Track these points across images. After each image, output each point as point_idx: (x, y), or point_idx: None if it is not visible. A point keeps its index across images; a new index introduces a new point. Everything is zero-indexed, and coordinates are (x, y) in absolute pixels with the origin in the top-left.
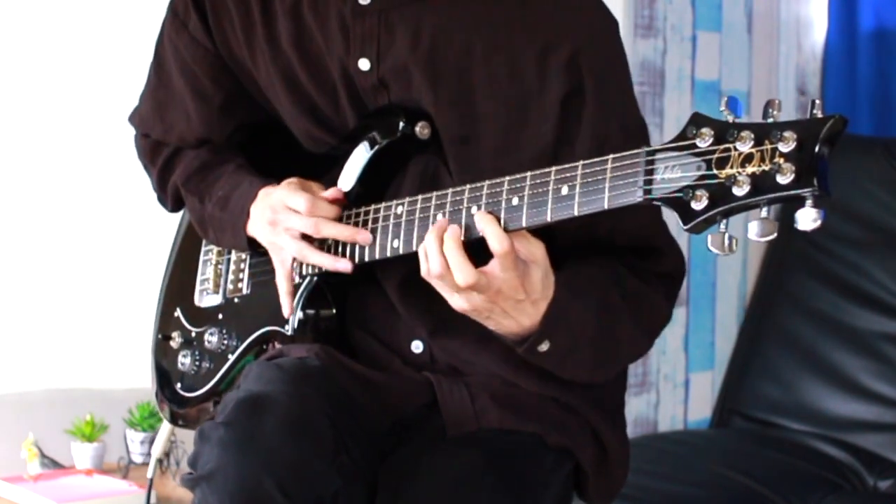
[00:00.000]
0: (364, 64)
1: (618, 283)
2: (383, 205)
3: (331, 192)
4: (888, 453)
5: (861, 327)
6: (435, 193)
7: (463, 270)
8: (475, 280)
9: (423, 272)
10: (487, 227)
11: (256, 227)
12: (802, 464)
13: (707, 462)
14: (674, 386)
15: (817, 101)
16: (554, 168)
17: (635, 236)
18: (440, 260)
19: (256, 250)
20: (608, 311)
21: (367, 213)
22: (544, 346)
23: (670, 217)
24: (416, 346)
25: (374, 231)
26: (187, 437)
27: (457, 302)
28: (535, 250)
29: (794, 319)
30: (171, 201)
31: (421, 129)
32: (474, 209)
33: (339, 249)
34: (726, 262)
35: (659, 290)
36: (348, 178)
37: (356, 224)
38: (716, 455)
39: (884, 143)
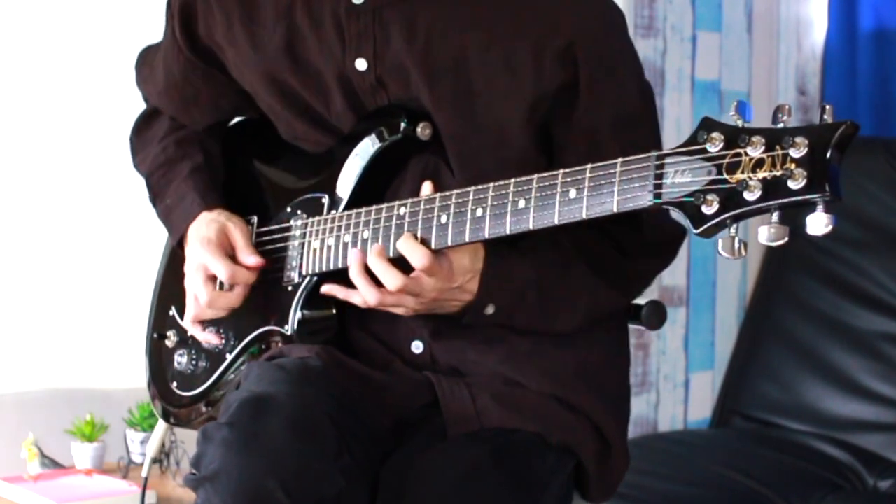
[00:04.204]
0: (361, 64)
1: (568, 236)
2: (385, 205)
3: (254, 260)
4: (888, 453)
5: (861, 327)
6: (439, 195)
7: (390, 276)
8: (404, 283)
9: (375, 300)
10: (412, 251)
11: (188, 255)
12: (802, 464)
13: (707, 462)
14: (674, 386)
15: (828, 107)
16: (561, 171)
17: None
18: (371, 289)
19: None
20: (551, 254)
21: (367, 213)
22: (490, 310)
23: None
24: (417, 347)
25: (375, 231)
26: (187, 437)
27: (402, 310)
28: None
29: (794, 319)
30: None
31: (422, 130)
32: (484, 212)
33: (339, 253)
34: (726, 262)
35: (631, 250)
36: (348, 178)
37: (357, 224)
38: (716, 455)
39: (884, 143)
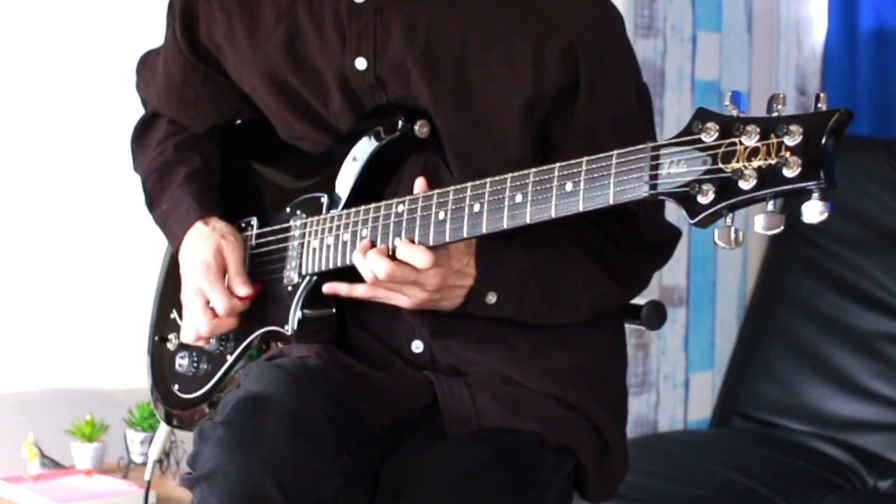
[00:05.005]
0: (361, 63)
1: (562, 227)
2: (383, 203)
3: (245, 291)
4: (888, 453)
5: (861, 327)
6: (436, 191)
7: (420, 253)
8: (392, 269)
9: (370, 280)
10: (413, 254)
11: (184, 267)
12: (802, 464)
13: (707, 462)
14: (674, 386)
15: (822, 95)
16: (558, 164)
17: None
18: (384, 261)
19: None
20: (544, 244)
21: (366, 211)
22: (492, 298)
23: (674, 209)
24: (417, 346)
25: (374, 230)
26: (187, 437)
27: (406, 300)
28: None
29: (794, 319)
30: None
31: (420, 128)
32: (481, 208)
33: (338, 252)
34: (726, 262)
35: (630, 247)
36: (347, 178)
37: (356, 223)
38: (716, 455)
39: (884, 143)
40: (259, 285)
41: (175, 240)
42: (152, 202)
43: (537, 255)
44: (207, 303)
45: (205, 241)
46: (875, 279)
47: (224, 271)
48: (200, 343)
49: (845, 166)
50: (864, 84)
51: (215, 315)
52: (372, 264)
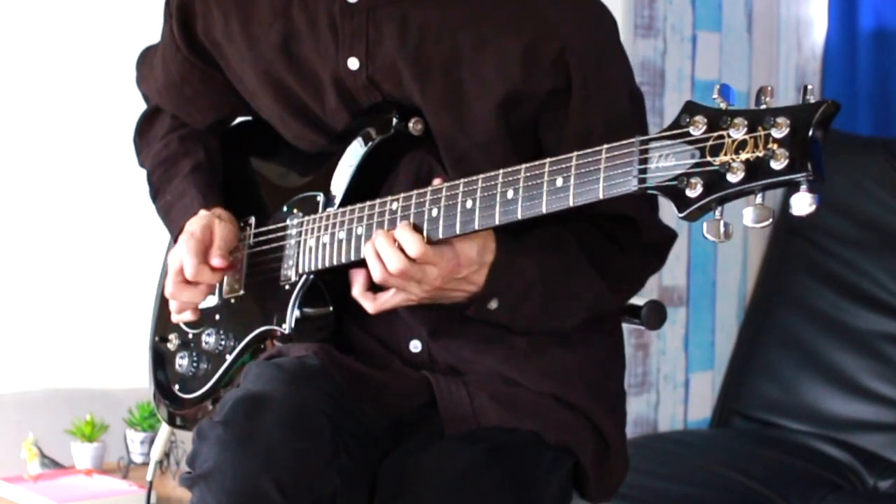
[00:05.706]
0: (353, 63)
1: (572, 234)
2: (378, 201)
3: (219, 262)
4: (888, 453)
5: (861, 327)
6: (430, 188)
7: (394, 257)
8: (405, 266)
9: (379, 277)
10: (407, 240)
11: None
12: (802, 464)
13: (707, 462)
14: (674, 386)
15: (810, 87)
16: (548, 160)
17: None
18: (398, 254)
19: None
20: (555, 257)
21: (361, 209)
22: (493, 304)
23: (666, 206)
24: (415, 346)
25: (369, 227)
26: (187, 437)
27: (405, 296)
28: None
29: (794, 319)
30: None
31: (414, 125)
32: (473, 204)
33: (334, 250)
34: (726, 261)
35: (630, 249)
36: (342, 176)
37: (351, 220)
38: (716, 455)
39: (884, 143)
40: (232, 264)
41: (176, 230)
42: (157, 193)
43: (546, 270)
44: (181, 270)
45: (199, 220)
46: (875, 279)
47: (207, 246)
48: (185, 318)
49: (845, 166)
50: (864, 84)
51: (184, 280)
52: (386, 257)
